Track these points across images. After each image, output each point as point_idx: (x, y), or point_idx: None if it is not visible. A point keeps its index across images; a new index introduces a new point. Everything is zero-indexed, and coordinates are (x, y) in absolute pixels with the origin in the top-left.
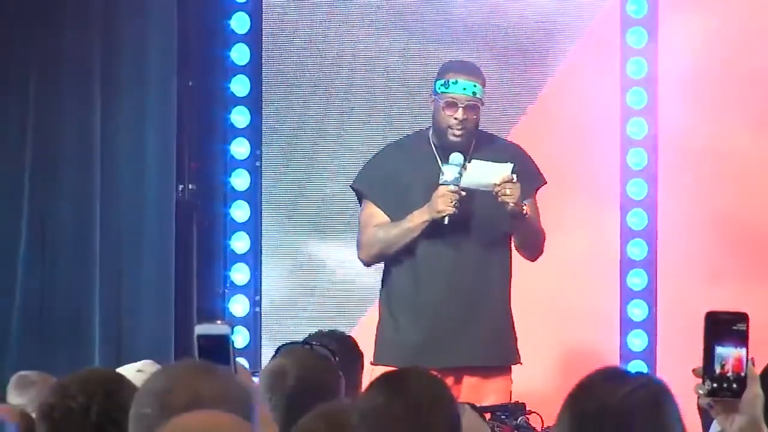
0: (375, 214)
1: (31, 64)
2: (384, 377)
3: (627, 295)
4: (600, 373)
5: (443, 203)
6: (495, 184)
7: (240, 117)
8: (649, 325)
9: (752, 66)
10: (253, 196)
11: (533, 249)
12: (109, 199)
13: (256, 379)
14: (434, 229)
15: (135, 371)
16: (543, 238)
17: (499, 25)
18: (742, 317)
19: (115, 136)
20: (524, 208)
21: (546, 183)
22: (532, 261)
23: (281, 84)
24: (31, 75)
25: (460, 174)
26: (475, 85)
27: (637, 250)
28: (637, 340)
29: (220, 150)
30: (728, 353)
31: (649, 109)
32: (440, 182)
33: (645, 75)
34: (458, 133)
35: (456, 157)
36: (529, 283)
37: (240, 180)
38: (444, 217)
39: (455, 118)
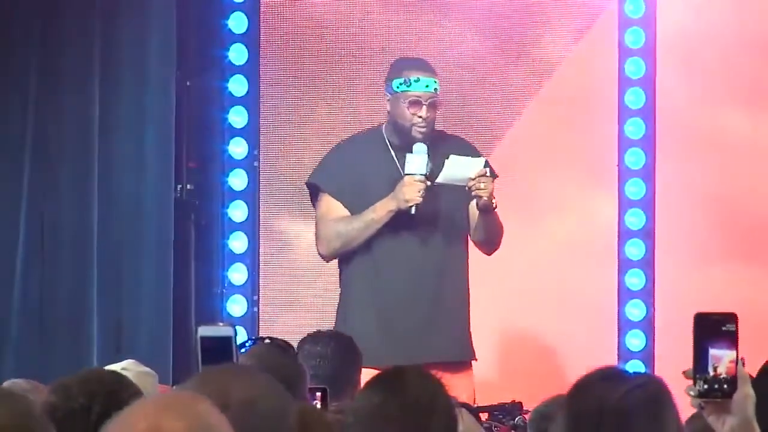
0: (334, 207)
1: (30, 64)
2: (380, 377)
3: (625, 295)
4: (598, 373)
5: (410, 192)
6: (470, 178)
7: (238, 117)
8: (647, 325)
9: (752, 64)
10: (250, 196)
11: (493, 244)
12: (107, 198)
13: None
14: (393, 226)
15: (119, 370)
16: (502, 234)
17: (498, 24)
18: (732, 317)
19: (113, 136)
20: (494, 202)
21: (497, 176)
22: (489, 255)
23: (279, 84)
24: (31, 74)
25: (426, 163)
26: (435, 82)
27: (635, 249)
28: (635, 340)
29: (218, 150)
30: (718, 354)
31: (647, 108)
32: (406, 172)
33: (643, 74)
34: (422, 130)
35: (420, 147)
36: (527, 282)
37: (238, 180)
38: (411, 206)
39: (419, 116)
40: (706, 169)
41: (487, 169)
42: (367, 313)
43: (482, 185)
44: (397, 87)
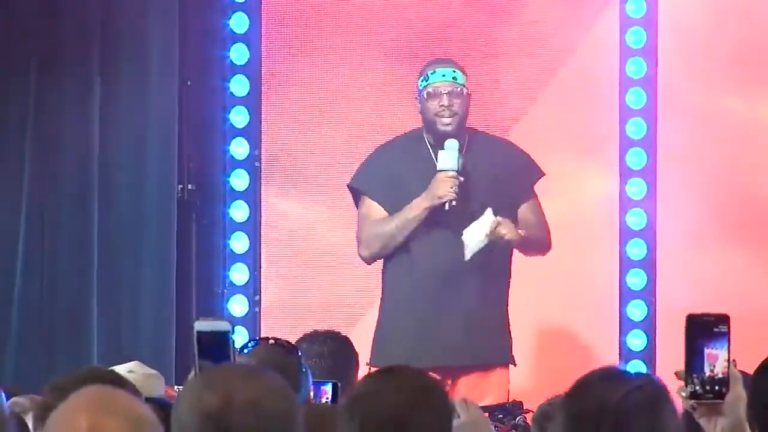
0: (373, 210)
1: (31, 63)
2: (375, 374)
3: (626, 295)
4: (597, 373)
5: (443, 189)
6: (486, 235)
7: (239, 117)
8: (648, 325)
9: (755, 61)
10: (252, 196)
11: (539, 250)
12: (108, 198)
13: None
14: (432, 228)
15: (126, 372)
16: (545, 237)
17: (498, 25)
18: (724, 319)
19: (114, 136)
20: (520, 232)
21: (544, 174)
22: (543, 256)
23: (280, 84)
24: (31, 73)
25: (457, 158)
26: (454, 71)
27: (637, 250)
28: (636, 340)
29: (219, 150)
30: (710, 355)
31: (648, 109)
32: (438, 169)
33: (644, 74)
34: (447, 120)
35: (451, 143)
36: (528, 283)
37: (239, 180)
38: (445, 203)
39: (441, 105)
40: (708, 169)
41: (497, 217)
42: (404, 314)
43: (503, 231)
44: (420, 85)
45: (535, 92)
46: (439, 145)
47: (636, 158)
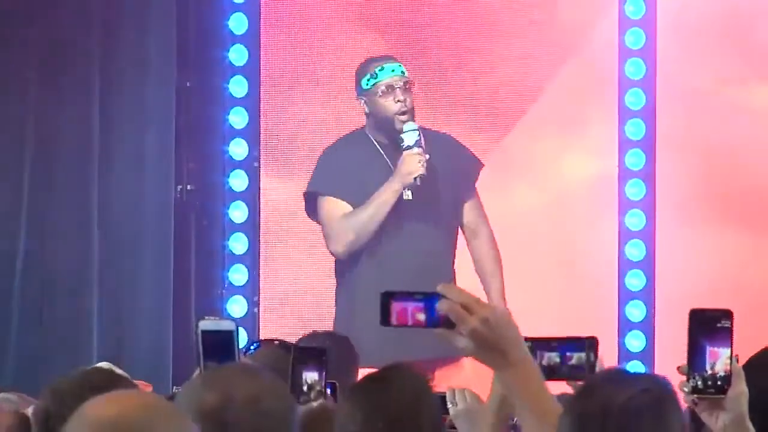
0: (339, 205)
1: (30, 63)
2: (360, 387)
3: (625, 295)
4: (603, 375)
5: (411, 165)
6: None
7: (238, 118)
8: (647, 326)
9: (753, 64)
10: (251, 196)
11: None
12: (107, 199)
13: None
14: (395, 220)
15: None
16: (494, 242)
17: (497, 25)
18: (727, 314)
19: (113, 136)
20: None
21: (483, 165)
22: None
23: (279, 85)
24: (31, 73)
25: (420, 136)
26: (400, 66)
27: (635, 251)
28: (635, 341)
29: (218, 151)
30: (715, 352)
31: (647, 110)
32: (403, 148)
33: (643, 75)
34: (404, 118)
35: (410, 125)
36: (527, 283)
37: (238, 181)
38: (416, 178)
39: (398, 101)
40: (708, 169)
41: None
42: (371, 309)
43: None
44: (366, 83)
45: (534, 93)
46: (392, 144)
47: (635, 159)
